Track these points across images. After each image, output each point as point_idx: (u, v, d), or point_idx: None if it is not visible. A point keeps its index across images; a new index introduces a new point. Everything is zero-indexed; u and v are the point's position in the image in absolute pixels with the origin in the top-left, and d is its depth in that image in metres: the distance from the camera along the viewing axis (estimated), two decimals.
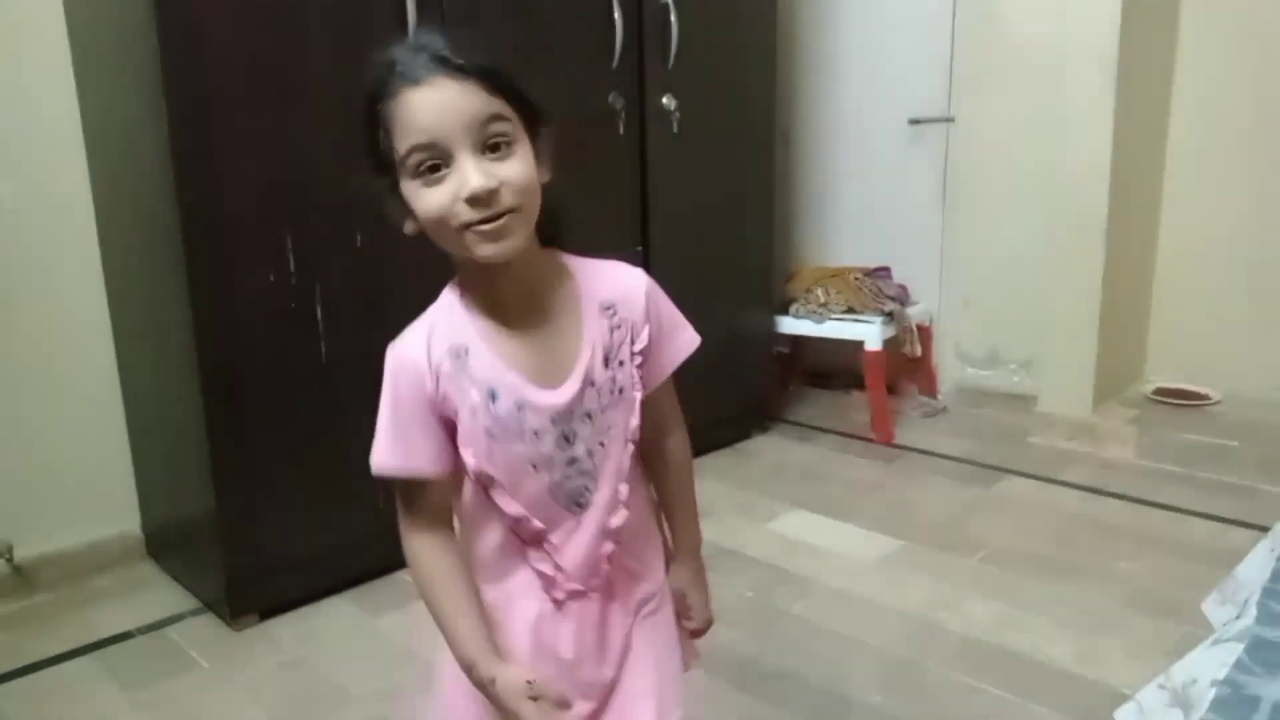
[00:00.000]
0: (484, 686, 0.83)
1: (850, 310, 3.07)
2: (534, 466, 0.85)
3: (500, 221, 0.77)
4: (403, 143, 0.77)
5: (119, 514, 2.21)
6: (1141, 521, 2.32)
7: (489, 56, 0.78)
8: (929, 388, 3.39)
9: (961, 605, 1.92)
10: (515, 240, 0.79)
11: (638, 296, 0.90)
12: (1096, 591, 1.95)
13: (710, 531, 2.28)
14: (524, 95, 0.80)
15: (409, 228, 0.83)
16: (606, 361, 0.87)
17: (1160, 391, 3.09)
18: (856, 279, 3.16)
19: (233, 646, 1.85)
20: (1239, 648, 0.81)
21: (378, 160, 0.81)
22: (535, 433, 0.84)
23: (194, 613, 1.99)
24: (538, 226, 0.83)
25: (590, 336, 0.86)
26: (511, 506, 0.85)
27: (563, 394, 0.84)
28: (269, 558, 1.92)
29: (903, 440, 2.98)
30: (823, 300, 3.10)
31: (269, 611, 1.95)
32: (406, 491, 0.87)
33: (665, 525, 1.02)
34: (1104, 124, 2.82)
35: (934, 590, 1.99)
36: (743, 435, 3.04)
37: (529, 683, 0.80)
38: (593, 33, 2.35)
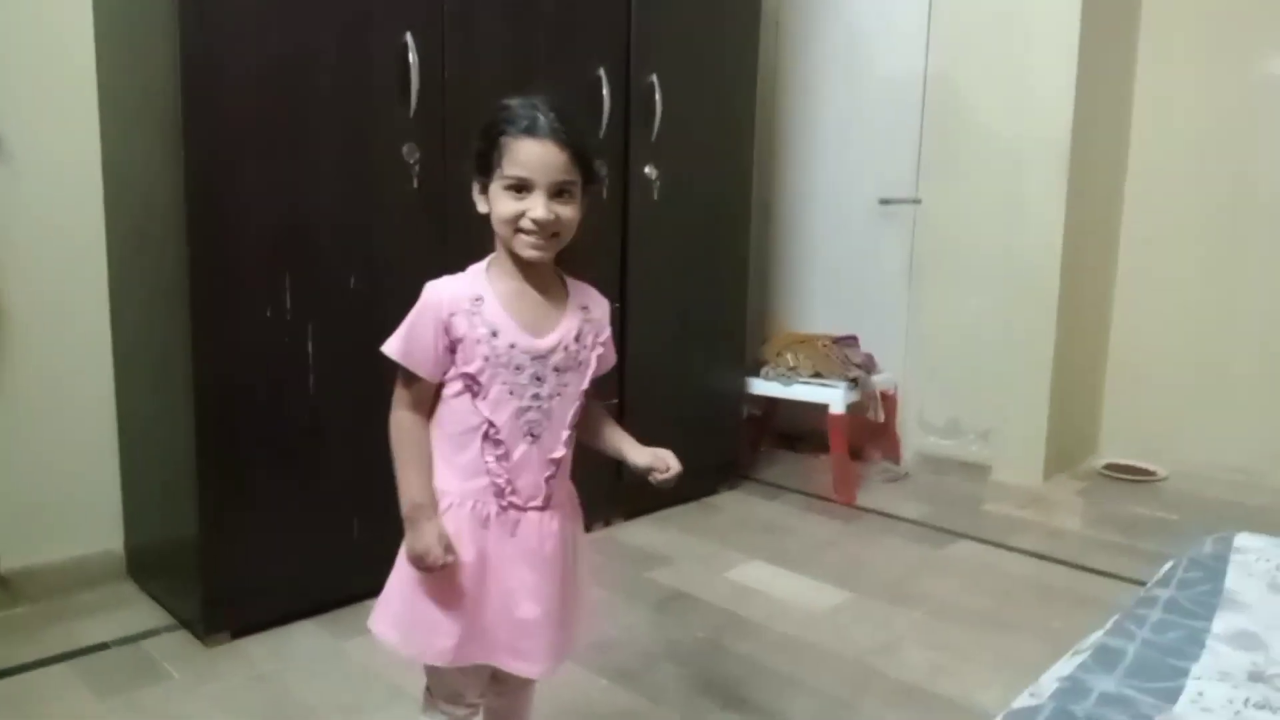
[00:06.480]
0: (415, 523, 1.15)
1: (817, 375, 3.22)
2: (510, 392, 1.16)
3: (546, 240, 1.15)
4: (509, 167, 1.13)
5: (104, 533, 2.30)
6: (1081, 586, 2.43)
7: (583, 137, 1.16)
8: (893, 454, 3.52)
9: (900, 653, 2.02)
10: (548, 253, 1.17)
11: (605, 311, 1.31)
12: (1030, 646, 2.05)
13: (669, 577, 2.42)
14: (593, 168, 1.18)
15: (482, 206, 1.19)
16: (577, 338, 1.22)
17: (1111, 467, 3.23)
18: (825, 345, 3.31)
19: (204, 661, 1.94)
20: (1088, 654, 0.93)
21: (484, 164, 1.16)
22: (517, 367, 1.17)
23: (169, 629, 2.07)
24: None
25: (570, 317, 1.23)
26: (489, 412, 1.17)
27: (544, 343, 1.19)
28: (245, 580, 2.01)
29: (863, 503, 3.10)
30: (792, 364, 3.25)
31: (241, 631, 2.03)
32: (406, 378, 1.19)
33: (610, 444, 1.33)
34: (1057, 211, 3.02)
35: (876, 639, 2.09)
36: (710, 490, 3.15)
37: (441, 534, 1.14)
38: (582, 106, 2.54)
